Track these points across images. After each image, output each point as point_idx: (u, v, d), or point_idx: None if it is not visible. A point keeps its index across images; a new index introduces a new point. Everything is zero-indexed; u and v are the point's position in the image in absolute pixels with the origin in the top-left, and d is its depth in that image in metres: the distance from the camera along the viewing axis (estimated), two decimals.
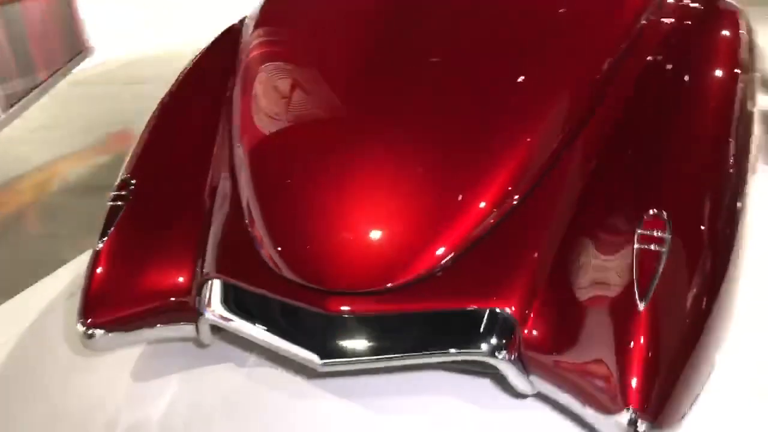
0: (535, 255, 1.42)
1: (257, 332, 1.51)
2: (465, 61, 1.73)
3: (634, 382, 1.20)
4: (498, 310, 1.37)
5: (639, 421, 1.19)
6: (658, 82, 1.71)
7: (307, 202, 1.50)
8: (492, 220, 1.44)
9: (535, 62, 1.68)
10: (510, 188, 1.46)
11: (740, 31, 1.82)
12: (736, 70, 1.69)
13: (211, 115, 1.90)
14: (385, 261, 1.39)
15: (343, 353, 1.42)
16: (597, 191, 1.52)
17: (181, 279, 1.57)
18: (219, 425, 1.52)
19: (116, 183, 1.71)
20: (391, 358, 1.42)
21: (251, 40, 2.02)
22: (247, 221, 1.55)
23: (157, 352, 1.74)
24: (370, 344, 1.43)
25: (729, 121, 1.58)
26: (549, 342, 1.34)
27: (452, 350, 1.39)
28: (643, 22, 1.80)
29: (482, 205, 1.44)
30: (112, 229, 1.60)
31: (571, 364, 1.30)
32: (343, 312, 1.41)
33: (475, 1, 1.92)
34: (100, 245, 1.58)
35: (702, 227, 1.35)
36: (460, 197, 1.45)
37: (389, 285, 1.38)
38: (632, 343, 1.23)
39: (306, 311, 1.46)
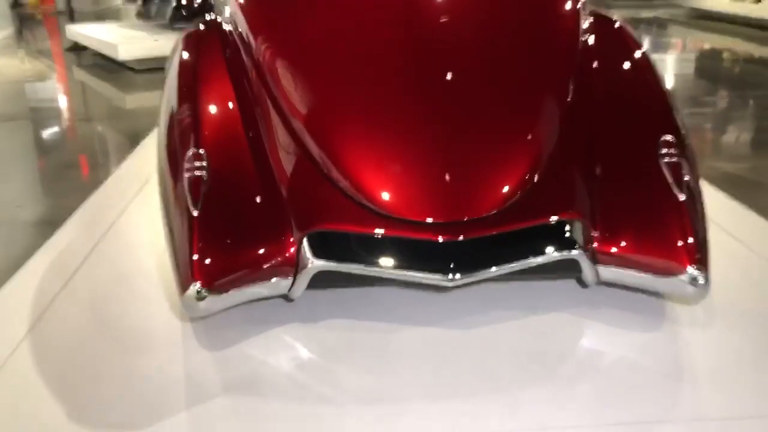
0: (588, 178, 1.85)
1: (376, 269, 1.70)
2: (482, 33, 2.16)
3: (688, 249, 1.70)
4: (575, 219, 1.76)
5: (699, 275, 1.68)
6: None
7: (402, 153, 1.75)
8: (549, 155, 1.81)
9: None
10: (559, 124, 1.91)
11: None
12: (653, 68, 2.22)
13: (235, 94, 2.03)
14: (487, 192, 1.70)
15: (464, 270, 1.69)
16: (608, 128, 1.99)
17: (279, 238, 1.70)
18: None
19: (187, 156, 1.80)
20: (501, 268, 1.72)
21: (257, 32, 2.17)
22: (333, 175, 1.74)
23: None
24: (482, 260, 1.72)
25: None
26: (614, 237, 1.76)
27: (547, 254, 1.74)
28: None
29: (543, 145, 1.82)
30: (203, 197, 1.71)
31: (634, 249, 1.74)
32: (458, 239, 1.66)
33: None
34: (195, 213, 1.67)
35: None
36: (529, 136, 1.84)
37: (492, 212, 1.68)
38: (680, 223, 1.74)
39: (410, 242, 1.69)
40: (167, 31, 7.46)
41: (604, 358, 1.70)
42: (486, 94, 1.95)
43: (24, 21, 12.87)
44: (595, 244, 1.75)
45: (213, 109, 2.00)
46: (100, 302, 1.98)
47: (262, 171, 1.85)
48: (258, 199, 1.77)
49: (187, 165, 1.78)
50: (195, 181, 1.74)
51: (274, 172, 1.85)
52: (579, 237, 1.77)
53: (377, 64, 2.00)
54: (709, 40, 8.91)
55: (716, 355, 1.71)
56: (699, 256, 1.70)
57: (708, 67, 7.44)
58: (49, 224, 3.20)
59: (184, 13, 7.36)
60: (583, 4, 2.42)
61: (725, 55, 8.05)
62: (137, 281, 2.08)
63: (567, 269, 1.80)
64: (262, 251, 1.69)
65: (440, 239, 1.67)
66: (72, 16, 9.59)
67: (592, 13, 2.48)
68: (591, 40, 2.28)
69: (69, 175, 4.17)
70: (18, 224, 3.31)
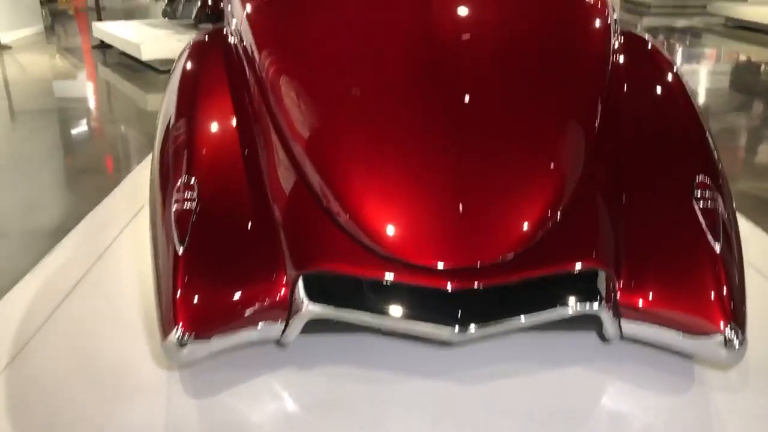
0: (613, 223, 1.68)
1: (375, 318, 1.56)
2: (499, 62, 1.97)
3: (723, 307, 1.53)
4: (597, 269, 1.60)
5: (735, 337, 1.51)
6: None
7: (412, 188, 1.60)
8: (572, 193, 1.65)
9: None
10: (584, 157, 1.74)
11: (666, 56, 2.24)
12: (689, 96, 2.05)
13: (236, 119, 1.91)
14: (504, 236, 1.55)
15: (473, 323, 1.53)
16: (637, 163, 1.83)
17: (271, 278, 1.58)
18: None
19: (177, 185, 1.68)
20: (513, 321, 1.57)
21: (261, 46, 2.04)
22: (334, 211, 1.60)
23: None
24: (493, 311, 1.56)
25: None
26: (640, 289, 1.59)
27: (566, 307, 1.58)
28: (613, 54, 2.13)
29: (566, 182, 1.66)
30: (190, 232, 1.59)
31: (662, 303, 1.57)
32: (467, 287, 1.51)
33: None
34: (181, 249, 1.56)
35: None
36: (552, 170, 1.68)
37: (505, 258, 1.53)
38: (715, 276, 1.57)
39: (416, 289, 1.54)
40: (192, 31, 7.40)
41: (627, 423, 1.54)
42: (505, 122, 1.79)
43: (56, 17, 12.97)
44: (618, 296, 1.59)
45: (209, 130, 1.88)
46: (82, 340, 1.85)
47: (257, 201, 1.71)
48: (251, 234, 1.64)
49: (176, 195, 1.66)
50: (183, 214, 1.61)
51: (270, 201, 1.72)
52: (601, 287, 1.61)
53: (387, 88, 1.85)
54: (746, 52, 8.62)
55: (751, 424, 1.54)
56: (735, 315, 1.53)
57: (743, 80, 7.16)
58: (57, 233, 3.11)
59: (210, 13, 7.29)
60: (614, 21, 2.25)
61: (763, 68, 7.77)
62: (123, 319, 1.94)
63: (586, 320, 1.64)
64: (252, 293, 1.55)
65: (449, 288, 1.52)
66: (99, 14, 9.55)
67: (623, 32, 2.31)
68: (621, 61, 2.12)
69: (84, 180, 4.09)
70: (26, 233, 3.23)
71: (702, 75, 7.24)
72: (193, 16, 7.47)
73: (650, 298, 1.58)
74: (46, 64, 7.92)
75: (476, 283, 1.52)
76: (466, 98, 1.81)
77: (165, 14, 8.21)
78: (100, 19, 9.21)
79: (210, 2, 7.30)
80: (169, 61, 7.03)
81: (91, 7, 10.17)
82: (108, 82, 6.98)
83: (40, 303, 2.03)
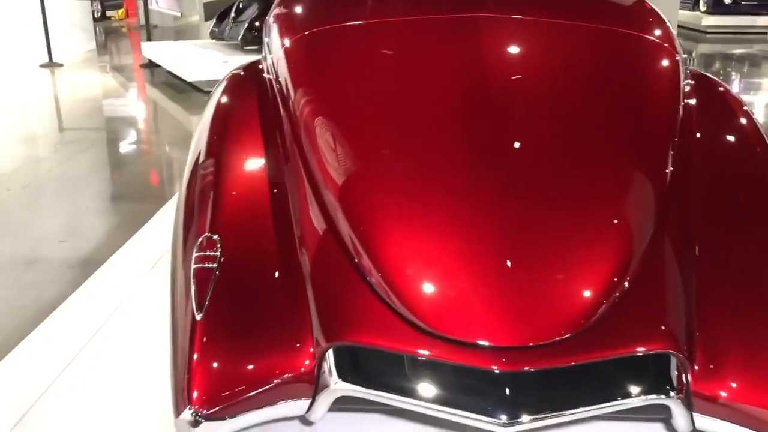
0: (684, 296, 1.47)
1: (413, 404, 1.37)
2: (553, 112, 1.77)
3: None
4: (669, 353, 1.38)
5: None
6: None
7: (458, 252, 1.41)
8: (640, 259, 1.45)
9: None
10: (654, 218, 1.54)
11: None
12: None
13: (266, 162, 1.78)
14: (561, 311, 1.34)
15: (524, 412, 1.33)
16: (711, 224, 1.63)
17: (297, 348, 1.41)
18: None
19: (198, 243, 1.54)
20: (575, 412, 1.35)
21: (297, 84, 1.91)
22: (367, 271, 1.44)
23: None
24: (550, 399, 1.36)
25: None
26: (718, 378, 1.38)
27: (632, 397, 1.36)
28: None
29: (632, 248, 1.46)
30: (209, 296, 1.45)
31: (745, 396, 1.36)
32: (523, 369, 1.32)
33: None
34: (199, 316, 1.42)
35: None
36: (617, 234, 1.48)
37: (564, 336, 1.32)
38: None
39: (459, 369, 1.36)
40: (238, 53, 7.40)
41: None
42: (564, 178, 1.58)
43: (109, 34, 13.23)
44: (692, 384, 1.37)
45: (237, 175, 1.74)
46: (89, 408, 1.70)
47: (285, 259, 1.55)
48: (276, 298, 1.48)
49: (197, 253, 1.51)
50: (203, 275, 1.47)
51: (300, 261, 1.55)
52: (672, 373, 1.40)
53: (432, 136, 1.68)
54: None
55: None
56: None
57: None
58: (87, 264, 3.04)
59: (256, 34, 7.28)
60: (683, 60, 2.05)
61: None
62: (131, 389, 1.80)
63: (651, 410, 1.43)
64: (275, 366, 1.39)
65: (496, 369, 1.33)
66: (149, 34, 9.67)
67: (692, 74, 2.11)
68: (692, 106, 1.93)
69: (119, 209, 4.04)
70: (55, 263, 3.16)
71: (759, 106, 6.91)
72: (240, 37, 7.48)
73: (730, 390, 1.37)
74: (95, 82, 8.02)
75: (529, 365, 1.33)
76: (521, 150, 1.63)
77: (213, 35, 8.25)
78: (149, 39, 9.31)
79: (257, 24, 7.31)
80: (214, 83, 7.08)
81: (144, 24, 10.33)
82: (155, 102, 7.01)
83: (39, 370, 1.88)
